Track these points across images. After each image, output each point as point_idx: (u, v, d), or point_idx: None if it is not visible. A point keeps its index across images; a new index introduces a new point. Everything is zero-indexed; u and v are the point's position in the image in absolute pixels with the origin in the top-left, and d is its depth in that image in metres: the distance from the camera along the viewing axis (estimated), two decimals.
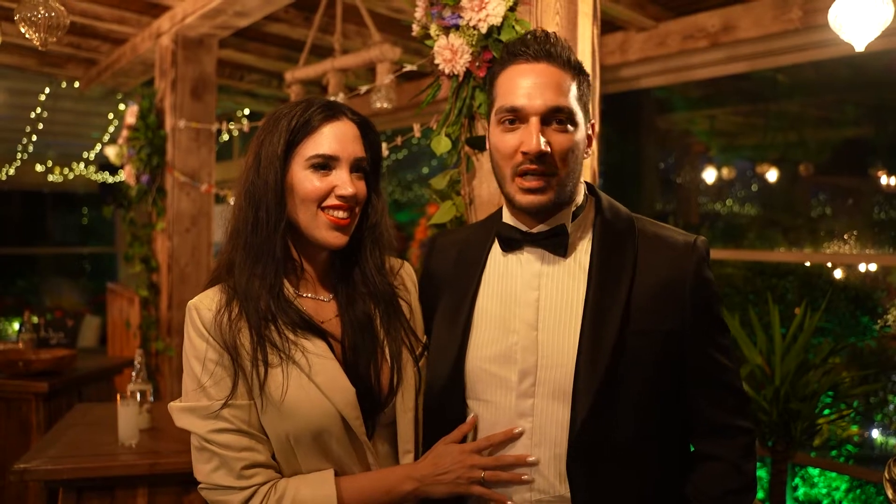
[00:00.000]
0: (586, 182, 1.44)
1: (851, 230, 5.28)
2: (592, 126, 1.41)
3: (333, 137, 1.33)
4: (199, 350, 1.29)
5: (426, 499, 1.36)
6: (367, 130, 1.40)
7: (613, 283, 1.29)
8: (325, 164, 1.32)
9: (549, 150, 1.26)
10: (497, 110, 1.33)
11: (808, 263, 5.54)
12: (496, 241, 1.42)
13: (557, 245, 1.33)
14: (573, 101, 1.30)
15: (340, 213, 1.33)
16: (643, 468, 1.29)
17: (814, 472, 4.64)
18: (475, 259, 1.43)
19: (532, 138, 1.26)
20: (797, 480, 4.63)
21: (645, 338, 1.28)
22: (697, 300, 1.31)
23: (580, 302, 1.30)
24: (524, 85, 1.29)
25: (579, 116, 1.32)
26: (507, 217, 1.40)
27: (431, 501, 1.37)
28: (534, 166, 1.27)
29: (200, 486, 1.31)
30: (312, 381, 1.29)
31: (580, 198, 1.38)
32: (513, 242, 1.37)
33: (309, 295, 1.39)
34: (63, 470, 2.24)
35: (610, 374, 1.25)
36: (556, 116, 1.28)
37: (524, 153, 1.27)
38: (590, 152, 1.40)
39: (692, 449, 1.41)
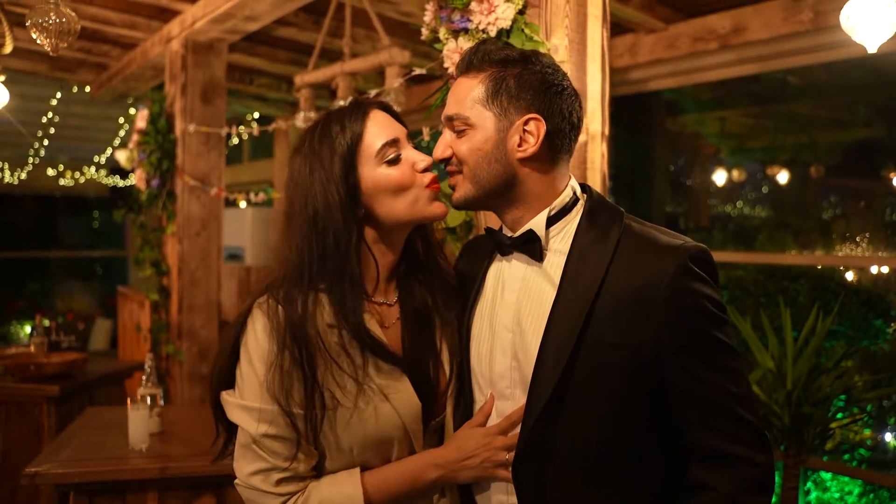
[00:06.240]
0: (582, 184, 1.39)
1: (863, 232, 5.24)
2: (533, 119, 1.27)
3: (381, 126, 1.34)
4: (267, 352, 1.25)
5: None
6: (392, 112, 1.41)
7: (580, 291, 1.24)
8: (394, 150, 1.33)
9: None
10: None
11: (819, 266, 5.50)
12: None
13: (533, 250, 1.32)
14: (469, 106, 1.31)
15: (432, 181, 1.37)
16: (616, 490, 1.23)
17: (826, 476, 4.61)
18: (482, 262, 1.46)
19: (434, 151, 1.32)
20: (809, 485, 4.59)
21: (608, 349, 1.20)
22: (675, 313, 1.18)
23: (549, 307, 1.27)
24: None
25: (476, 118, 1.29)
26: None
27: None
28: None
29: (237, 481, 1.30)
30: (386, 399, 1.28)
31: (557, 201, 1.32)
32: (503, 247, 1.38)
33: (382, 300, 1.39)
34: (74, 474, 2.25)
35: (563, 383, 1.21)
36: (450, 125, 1.32)
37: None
38: (532, 141, 1.27)
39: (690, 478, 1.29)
